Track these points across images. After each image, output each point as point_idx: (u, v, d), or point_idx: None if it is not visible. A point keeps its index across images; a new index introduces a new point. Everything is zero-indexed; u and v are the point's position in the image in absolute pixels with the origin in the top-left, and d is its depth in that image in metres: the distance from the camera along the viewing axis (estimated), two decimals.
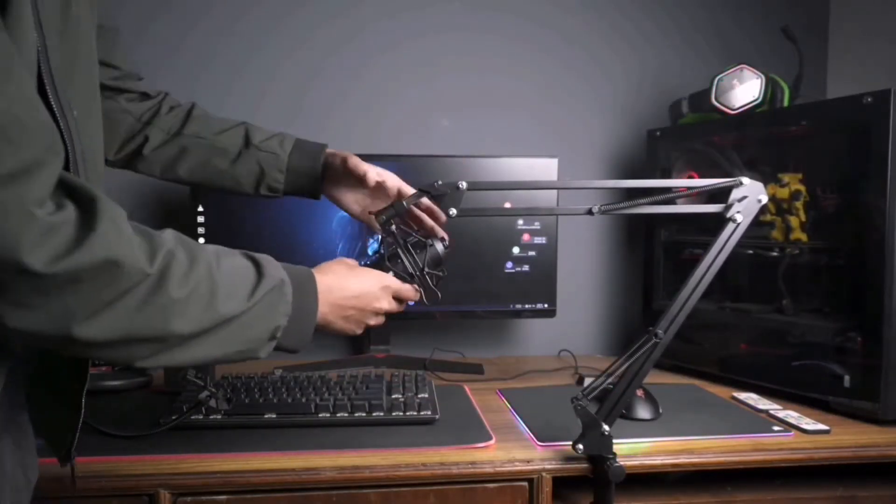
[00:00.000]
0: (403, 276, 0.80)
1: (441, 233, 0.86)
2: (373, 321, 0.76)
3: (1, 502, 0.55)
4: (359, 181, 0.88)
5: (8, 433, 0.57)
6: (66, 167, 0.52)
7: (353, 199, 0.91)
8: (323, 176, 0.89)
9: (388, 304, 0.77)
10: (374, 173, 0.88)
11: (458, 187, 0.83)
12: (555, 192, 1.30)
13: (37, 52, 0.48)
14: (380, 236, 0.83)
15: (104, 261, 0.45)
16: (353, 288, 0.72)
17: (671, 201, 0.87)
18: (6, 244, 0.41)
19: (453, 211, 0.84)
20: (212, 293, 0.53)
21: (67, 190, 0.46)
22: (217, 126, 0.89)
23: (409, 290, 0.79)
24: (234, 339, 0.56)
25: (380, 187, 0.88)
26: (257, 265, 0.59)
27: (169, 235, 0.53)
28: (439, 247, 0.83)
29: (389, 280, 0.77)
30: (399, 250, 0.81)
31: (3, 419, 0.56)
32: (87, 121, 0.58)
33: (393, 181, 0.89)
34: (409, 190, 0.88)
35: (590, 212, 0.83)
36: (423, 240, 0.82)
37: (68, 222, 0.45)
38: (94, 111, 0.62)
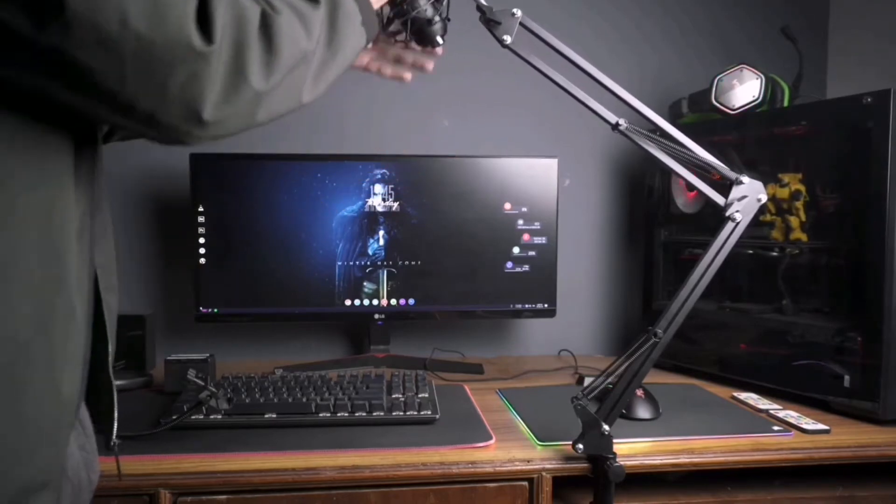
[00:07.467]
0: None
1: None
2: None
3: (61, 501, 0.55)
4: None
5: (74, 429, 0.57)
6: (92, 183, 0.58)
7: None
8: None
9: None
10: None
11: (513, 14, 0.83)
12: (555, 192, 1.30)
13: None
14: None
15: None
16: None
17: (690, 162, 0.86)
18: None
19: (508, 38, 0.82)
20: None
21: None
22: None
23: None
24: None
25: None
26: None
27: None
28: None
29: None
30: None
31: (73, 414, 0.57)
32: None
33: None
34: None
35: (616, 125, 0.86)
36: None
37: None
38: None
